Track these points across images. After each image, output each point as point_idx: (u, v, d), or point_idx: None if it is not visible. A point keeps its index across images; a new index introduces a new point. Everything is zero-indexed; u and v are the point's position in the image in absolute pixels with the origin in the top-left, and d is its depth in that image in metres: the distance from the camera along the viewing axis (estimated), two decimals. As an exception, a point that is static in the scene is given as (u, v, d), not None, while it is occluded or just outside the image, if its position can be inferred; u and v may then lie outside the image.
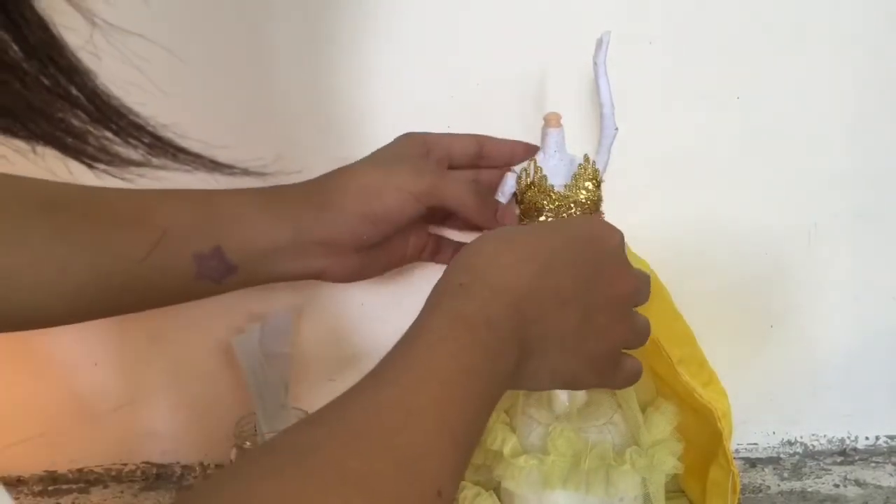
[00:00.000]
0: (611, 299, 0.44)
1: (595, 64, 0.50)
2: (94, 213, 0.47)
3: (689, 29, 0.60)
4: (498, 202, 0.53)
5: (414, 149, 0.53)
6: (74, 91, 0.23)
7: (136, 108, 0.24)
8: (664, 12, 0.59)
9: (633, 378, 0.47)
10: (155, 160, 0.25)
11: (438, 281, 0.42)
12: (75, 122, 0.23)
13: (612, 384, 0.47)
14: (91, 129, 0.23)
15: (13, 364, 0.68)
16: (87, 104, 0.23)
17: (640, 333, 0.46)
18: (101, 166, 0.24)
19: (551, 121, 0.52)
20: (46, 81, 0.22)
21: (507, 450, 0.54)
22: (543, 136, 0.52)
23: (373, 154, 0.54)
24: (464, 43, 0.60)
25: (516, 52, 0.60)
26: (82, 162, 0.24)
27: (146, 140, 0.24)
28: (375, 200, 0.50)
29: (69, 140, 0.23)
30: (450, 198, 0.51)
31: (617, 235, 0.45)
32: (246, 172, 0.28)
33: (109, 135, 0.24)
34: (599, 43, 0.49)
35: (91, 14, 0.22)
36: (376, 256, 0.55)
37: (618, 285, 0.44)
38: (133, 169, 0.25)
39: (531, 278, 0.41)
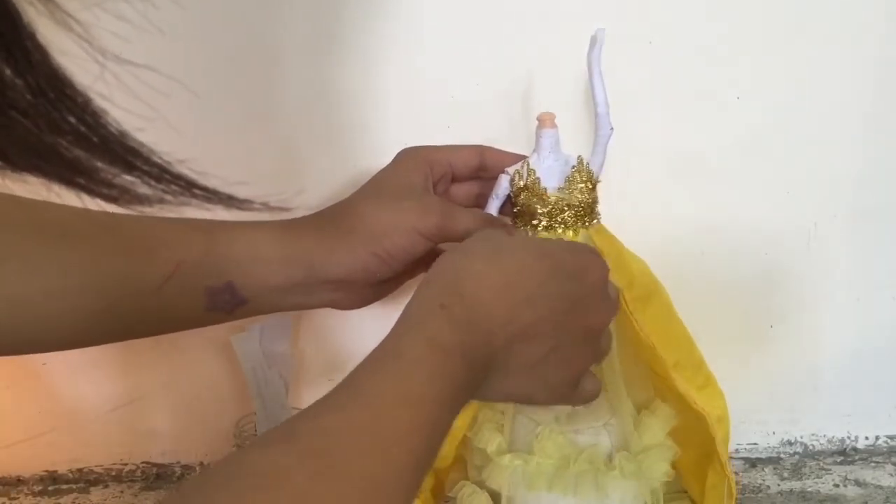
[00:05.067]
0: (582, 331, 0.44)
1: (589, 62, 0.49)
2: (110, 243, 0.47)
3: (689, 29, 0.60)
4: (509, 228, 0.52)
5: (418, 176, 0.53)
6: (84, 129, 0.22)
7: (152, 144, 0.24)
8: (664, 12, 0.59)
9: (590, 397, 0.47)
10: (170, 197, 0.24)
11: (418, 292, 0.41)
12: (87, 162, 0.23)
13: (569, 403, 0.47)
14: (102, 167, 0.23)
15: (13, 364, 0.68)
16: (98, 143, 0.22)
17: (603, 353, 0.47)
18: (116, 205, 0.24)
19: (545, 121, 0.51)
20: (55, 121, 0.22)
21: (491, 449, 0.54)
22: (538, 136, 0.52)
23: (378, 183, 0.54)
24: (464, 43, 0.60)
25: (517, 52, 0.60)
26: (96, 198, 0.23)
27: (161, 177, 0.24)
28: (386, 241, 0.50)
29: (81, 180, 0.23)
30: (460, 234, 0.51)
31: (603, 269, 0.45)
32: (267, 207, 0.27)
33: (123, 173, 0.23)
34: (593, 41, 0.49)
35: (102, 51, 0.22)
36: (386, 285, 0.55)
37: (592, 319, 0.44)
38: (149, 206, 0.24)
39: (511, 308, 0.41)
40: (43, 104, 0.21)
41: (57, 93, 0.22)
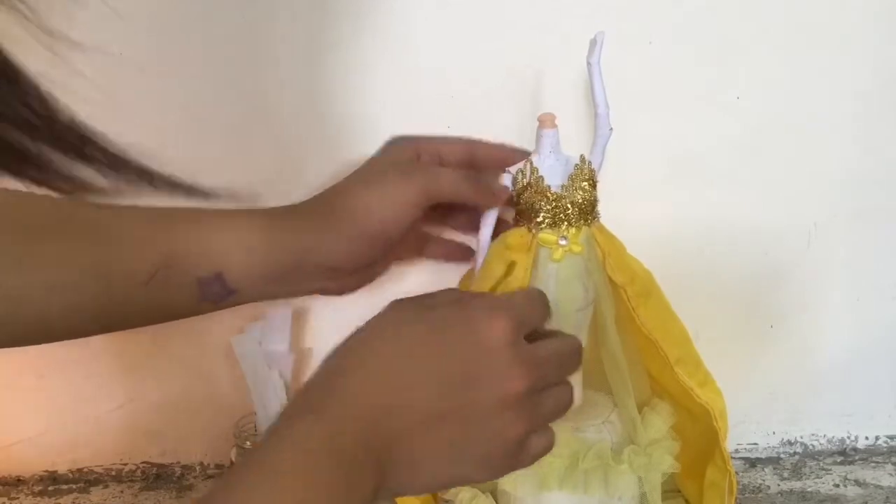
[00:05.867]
0: (501, 401, 0.40)
1: (589, 64, 0.49)
2: (102, 235, 0.47)
3: (689, 29, 0.60)
4: (492, 183, 0.51)
5: (402, 154, 0.53)
6: (33, 118, 0.21)
7: (113, 134, 0.23)
8: (663, 12, 0.59)
9: (541, 455, 0.43)
10: (126, 187, 0.23)
11: (295, 395, 0.40)
12: (37, 152, 0.21)
13: (519, 467, 0.43)
14: (52, 155, 0.22)
15: (13, 364, 0.68)
16: (46, 130, 0.21)
17: (555, 412, 0.43)
18: (71, 195, 0.23)
19: (546, 122, 0.51)
20: (1, 109, 0.21)
21: None
22: (538, 137, 0.52)
23: (364, 168, 0.53)
24: (463, 43, 0.60)
25: (517, 53, 0.60)
26: (49, 190, 0.22)
27: (117, 166, 0.23)
28: (369, 219, 0.50)
29: (32, 171, 0.22)
30: (444, 192, 0.50)
31: (498, 327, 0.41)
32: (233, 197, 0.27)
33: (76, 162, 0.22)
34: (593, 43, 0.49)
35: (51, 33, 0.21)
36: (374, 269, 0.55)
37: (507, 384, 0.40)
38: (105, 197, 0.23)
39: (387, 398, 0.39)
40: None
41: (2, 79, 0.20)
